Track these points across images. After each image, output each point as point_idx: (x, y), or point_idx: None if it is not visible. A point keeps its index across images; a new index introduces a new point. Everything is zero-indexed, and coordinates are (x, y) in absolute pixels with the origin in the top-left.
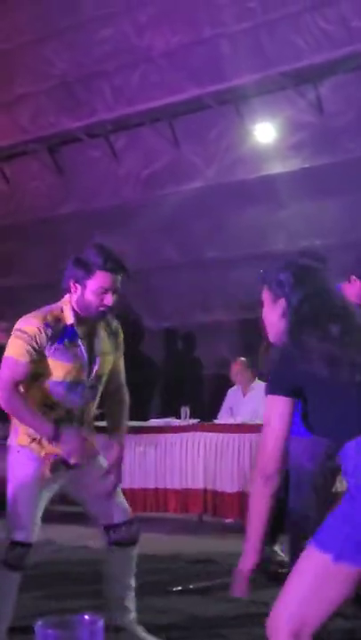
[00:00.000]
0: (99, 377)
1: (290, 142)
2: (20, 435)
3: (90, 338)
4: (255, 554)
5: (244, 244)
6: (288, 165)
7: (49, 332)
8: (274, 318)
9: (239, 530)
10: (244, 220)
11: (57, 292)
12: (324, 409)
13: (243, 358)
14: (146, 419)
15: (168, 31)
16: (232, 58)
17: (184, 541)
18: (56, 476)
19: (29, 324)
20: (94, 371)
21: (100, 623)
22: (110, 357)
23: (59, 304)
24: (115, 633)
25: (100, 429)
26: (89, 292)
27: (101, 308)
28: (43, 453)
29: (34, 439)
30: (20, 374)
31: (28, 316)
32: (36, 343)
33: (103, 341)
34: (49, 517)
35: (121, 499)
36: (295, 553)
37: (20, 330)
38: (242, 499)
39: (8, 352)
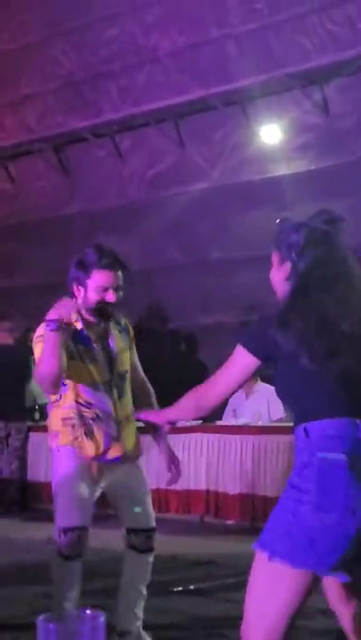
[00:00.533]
0: (121, 374)
1: (296, 144)
2: (60, 436)
3: (103, 339)
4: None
5: (248, 246)
6: (294, 167)
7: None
8: (279, 280)
9: (241, 531)
10: (248, 222)
11: (60, 293)
12: (302, 386)
13: None
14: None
15: (175, 32)
16: (238, 59)
17: (185, 542)
18: (99, 477)
19: (43, 329)
20: (115, 369)
21: (102, 619)
22: (127, 353)
23: (49, 320)
24: (120, 637)
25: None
26: (90, 291)
27: (101, 303)
28: (85, 452)
29: (75, 438)
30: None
31: (43, 324)
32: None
33: (117, 339)
34: (51, 517)
35: (149, 505)
36: None
37: (37, 337)
38: (244, 500)
39: (35, 357)
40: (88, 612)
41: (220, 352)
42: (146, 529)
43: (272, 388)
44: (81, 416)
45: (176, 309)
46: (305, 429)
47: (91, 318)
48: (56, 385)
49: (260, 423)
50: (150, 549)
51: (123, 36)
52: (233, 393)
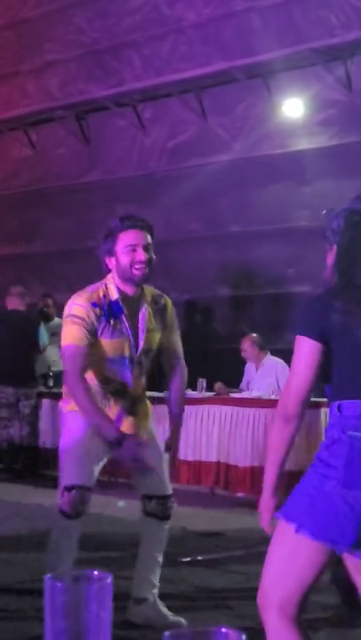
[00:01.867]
0: (145, 352)
1: (317, 119)
2: (72, 402)
3: (134, 315)
4: (272, 491)
5: (267, 220)
6: (315, 142)
7: (97, 311)
8: (330, 264)
9: (250, 504)
10: (268, 196)
11: (78, 261)
12: (346, 362)
13: (253, 335)
14: (163, 390)
15: (200, 3)
16: (262, 32)
17: (195, 513)
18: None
19: (79, 308)
20: (140, 346)
21: (109, 579)
22: (156, 334)
23: (102, 282)
24: (136, 604)
25: (159, 400)
26: (120, 255)
27: (136, 266)
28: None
29: None
30: (84, 359)
31: (74, 298)
32: (90, 325)
33: (148, 318)
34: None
35: (165, 473)
36: None
37: (71, 315)
38: (254, 473)
39: (66, 340)
40: (95, 572)
41: (235, 325)
42: (161, 495)
43: (281, 361)
44: (98, 391)
45: (193, 281)
46: (339, 406)
47: (127, 290)
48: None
49: (273, 396)
50: (166, 516)
51: (147, 5)
52: (311, 384)
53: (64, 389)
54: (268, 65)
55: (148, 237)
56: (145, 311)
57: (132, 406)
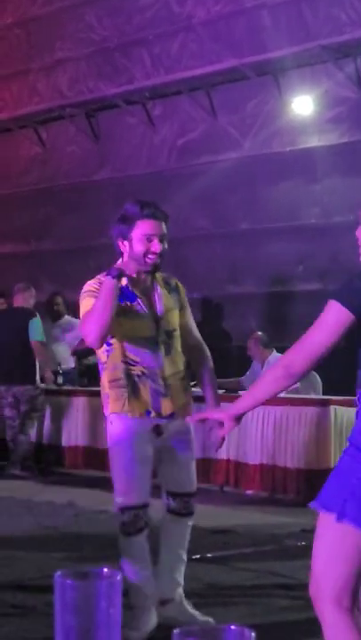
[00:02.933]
0: (168, 332)
1: (327, 116)
2: (110, 402)
3: (148, 295)
4: (239, 408)
5: (277, 217)
6: (325, 139)
7: None
8: None
9: (260, 502)
10: (278, 193)
11: (88, 258)
12: None
13: (258, 333)
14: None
15: (210, 0)
16: (272, 29)
17: (204, 511)
18: (155, 436)
19: (90, 284)
20: (161, 327)
21: (119, 577)
22: (176, 312)
23: (112, 268)
24: (161, 605)
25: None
26: (135, 242)
27: (150, 256)
28: (136, 414)
29: (123, 403)
30: None
31: (87, 283)
32: None
33: (165, 297)
34: (72, 481)
35: (191, 471)
36: None
37: (85, 292)
38: (264, 471)
39: (82, 310)
40: (105, 570)
41: (244, 322)
42: (186, 493)
43: None
44: (128, 375)
45: (202, 279)
46: None
47: (134, 275)
48: (102, 338)
49: (283, 394)
50: (190, 513)
51: (157, 3)
52: (325, 353)
53: (101, 386)
54: (278, 62)
55: (165, 228)
56: (160, 291)
57: (166, 387)
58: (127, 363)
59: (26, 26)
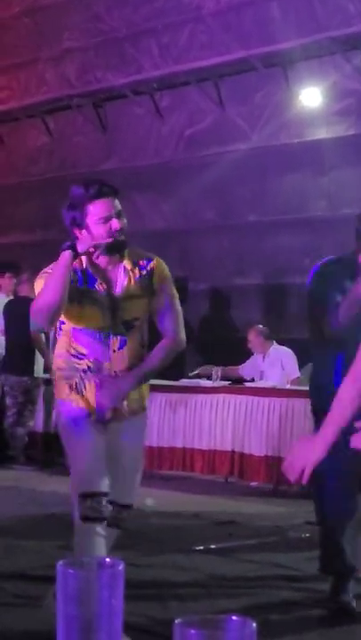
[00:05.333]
0: (127, 322)
1: (335, 108)
2: (56, 389)
3: (109, 281)
4: (325, 444)
5: (284, 210)
6: (333, 131)
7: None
8: None
9: (265, 494)
10: (286, 185)
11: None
12: None
13: (259, 325)
14: (178, 378)
15: None
16: (281, 21)
17: (209, 502)
18: (103, 429)
19: (49, 267)
20: (118, 316)
21: (121, 566)
22: (141, 300)
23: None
24: None
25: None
26: (93, 228)
27: (113, 235)
28: (82, 404)
29: (71, 388)
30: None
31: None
32: None
33: (128, 283)
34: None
35: (133, 481)
36: None
37: (41, 274)
38: (269, 463)
39: (36, 292)
40: (108, 559)
41: (250, 314)
42: (119, 503)
43: (285, 349)
44: (72, 368)
45: (209, 270)
46: None
47: (100, 258)
48: (51, 318)
49: (287, 386)
50: (117, 525)
51: None
52: None
53: (52, 377)
54: (286, 54)
55: (118, 203)
56: (123, 277)
57: None
58: (72, 355)
59: (34, 15)
